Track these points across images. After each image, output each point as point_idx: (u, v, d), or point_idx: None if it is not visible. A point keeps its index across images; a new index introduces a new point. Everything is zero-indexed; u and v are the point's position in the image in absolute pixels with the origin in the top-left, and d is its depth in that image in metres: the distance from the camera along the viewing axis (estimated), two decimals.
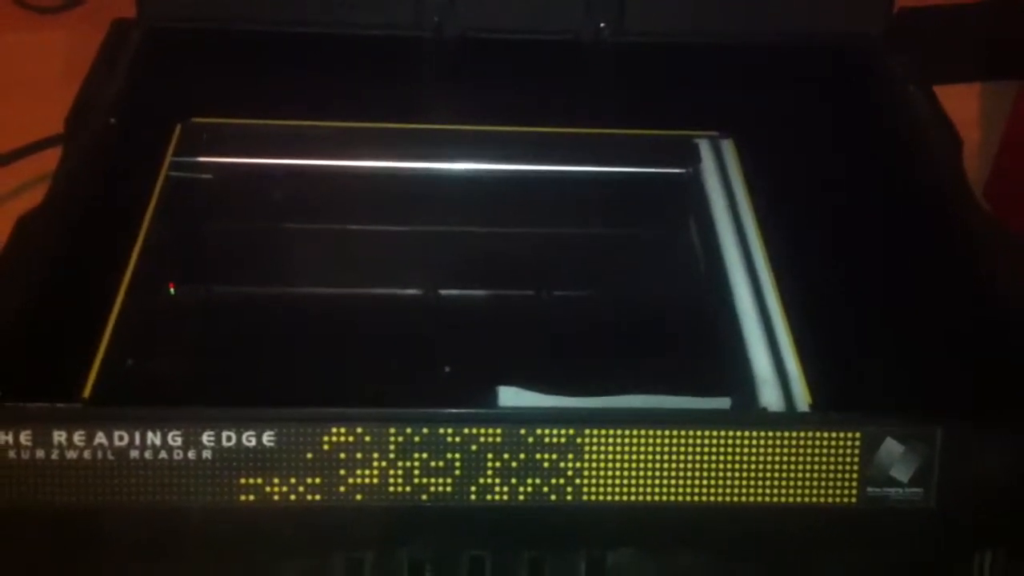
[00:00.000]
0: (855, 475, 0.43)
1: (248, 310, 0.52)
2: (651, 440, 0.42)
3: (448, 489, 0.42)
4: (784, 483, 0.43)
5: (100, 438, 0.41)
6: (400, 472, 0.42)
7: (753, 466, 0.42)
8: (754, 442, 0.42)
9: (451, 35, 0.65)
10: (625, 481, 0.42)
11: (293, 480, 0.42)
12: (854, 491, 0.43)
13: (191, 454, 0.42)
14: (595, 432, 0.42)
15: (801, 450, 0.42)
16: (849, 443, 0.43)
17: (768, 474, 0.43)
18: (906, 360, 0.47)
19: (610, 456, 0.42)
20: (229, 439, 0.42)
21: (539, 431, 0.42)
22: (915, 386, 0.46)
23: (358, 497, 0.42)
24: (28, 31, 0.77)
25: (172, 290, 0.53)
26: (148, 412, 0.42)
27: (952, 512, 0.43)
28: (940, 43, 0.75)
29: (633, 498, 0.42)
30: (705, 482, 0.42)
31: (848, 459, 0.43)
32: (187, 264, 0.54)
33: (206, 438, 0.42)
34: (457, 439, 0.42)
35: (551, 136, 0.59)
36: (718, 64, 0.64)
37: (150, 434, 0.42)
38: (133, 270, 0.50)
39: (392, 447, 0.42)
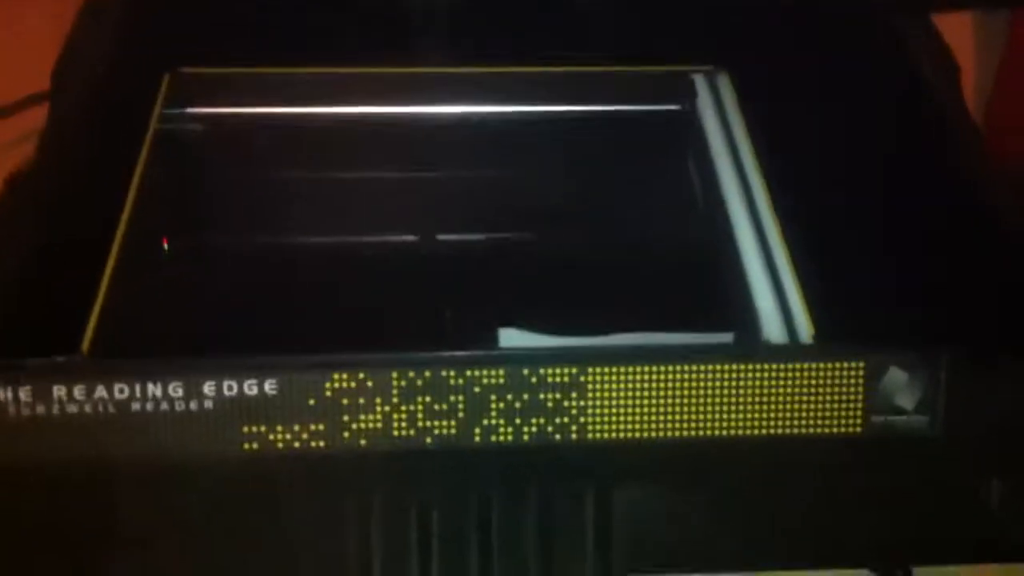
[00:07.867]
0: (860, 405, 0.42)
1: (245, 260, 0.52)
2: (653, 376, 0.42)
3: (452, 431, 0.42)
4: (788, 415, 0.42)
5: (100, 391, 0.41)
6: (404, 416, 0.42)
7: (757, 399, 0.42)
8: (757, 374, 0.42)
9: None
10: (629, 418, 0.42)
11: (297, 427, 0.42)
12: (859, 420, 0.42)
13: (193, 405, 0.41)
14: (598, 370, 0.42)
15: (804, 381, 0.42)
16: (853, 373, 0.42)
17: (772, 406, 0.42)
18: (910, 290, 0.47)
19: (613, 393, 0.42)
20: (231, 388, 0.41)
21: (542, 370, 0.42)
22: (920, 316, 0.45)
23: (362, 442, 0.42)
24: None
25: (167, 243, 0.52)
26: (148, 364, 0.41)
27: (958, 440, 0.43)
28: None
29: (637, 434, 0.42)
30: (709, 416, 0.42)
31: (852, 389, 0.42)
32: (182, 216, 0.54)
33: (207, 388, 0.41)
34: (460, 381, 0.42)
35: (541, 76, 0.59)
36: None
37: (151, 386, 0.41)
38: (127, 223, 0.49)
39: (395, 391, 0.42)
